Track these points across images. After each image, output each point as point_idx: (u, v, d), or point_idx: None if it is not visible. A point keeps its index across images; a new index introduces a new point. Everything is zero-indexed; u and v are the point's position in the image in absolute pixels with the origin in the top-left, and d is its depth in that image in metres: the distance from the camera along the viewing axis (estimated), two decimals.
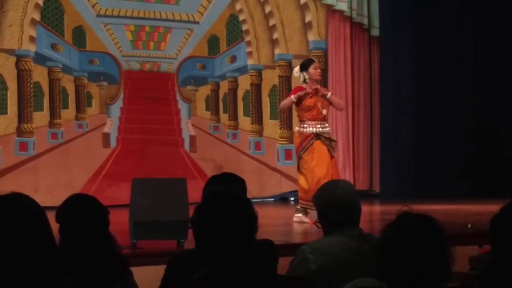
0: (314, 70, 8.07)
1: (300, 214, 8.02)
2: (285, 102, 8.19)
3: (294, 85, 11.80)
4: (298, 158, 8.07)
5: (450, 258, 2.35)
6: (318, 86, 8.11)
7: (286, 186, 11.52)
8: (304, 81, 8.09)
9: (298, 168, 8.09)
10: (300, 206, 8.05)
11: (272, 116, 11.65)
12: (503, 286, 2.48)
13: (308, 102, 8.04)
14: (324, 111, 8.07)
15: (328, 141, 8.04)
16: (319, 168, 7.88)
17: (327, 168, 7.90)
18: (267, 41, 11.64)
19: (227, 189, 2.79)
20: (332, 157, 8.02)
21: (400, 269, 2.32)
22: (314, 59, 8.58)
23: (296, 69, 8.23)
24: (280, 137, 11.66)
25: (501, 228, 2.56)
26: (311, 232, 6.89)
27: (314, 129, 8.00)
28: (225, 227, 2.50)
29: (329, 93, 8.23)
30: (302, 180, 8.01)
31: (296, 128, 8.21)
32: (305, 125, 8.03)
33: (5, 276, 2.16)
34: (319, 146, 7.97)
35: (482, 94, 12.29)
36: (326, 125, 8.12)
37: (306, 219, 7.89)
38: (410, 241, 2.33)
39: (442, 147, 12.05)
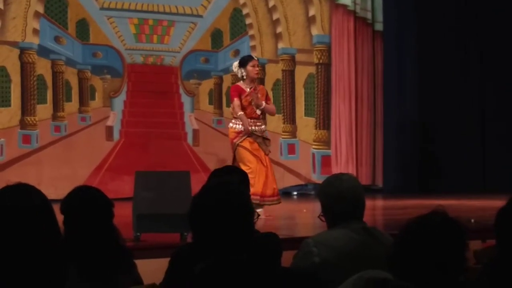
0: (251, 68, 7.96)
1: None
2: (235, 107, 8.02)
3: (297, 80, 11.82)
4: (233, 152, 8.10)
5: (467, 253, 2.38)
6: (258, 100, 7.98)
7: (289, 180, 11.51)
8: (242, 78, 8.04)
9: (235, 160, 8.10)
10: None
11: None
12: (508, 279, 2.48)
13: (243, 101, 8.03)
14: (258, 111, 8.08)
15: (261, 139, 8.07)
16: (249, 163, 7.93)
17: (257, 163, 7.97)
18: (270, 35, 11.62)
19: (227, 181, 2.74)
20: (266, 154, 8.09)
21: (420, 261, 2.33)
22: (255, 57, 8.29)
23: (235, 64, 8.12)
24: (283, 131, 11.64)
25: (507, 221, 2.56)
26: (315, 225, 6.88)
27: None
28: (212, 217, 2.48)
29: (263, 105, 8.09)
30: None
31: (230, 125, 8.15)
32: (239, 122, 8.02)
33: (12, 265, 2.16)
34: (250, 143, 8.00)
35: (486, 86, 12.26)
36: (258, 123, 8.12)
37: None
38: (437, 238, 2.35)
39: (446, 141, 12.02)
